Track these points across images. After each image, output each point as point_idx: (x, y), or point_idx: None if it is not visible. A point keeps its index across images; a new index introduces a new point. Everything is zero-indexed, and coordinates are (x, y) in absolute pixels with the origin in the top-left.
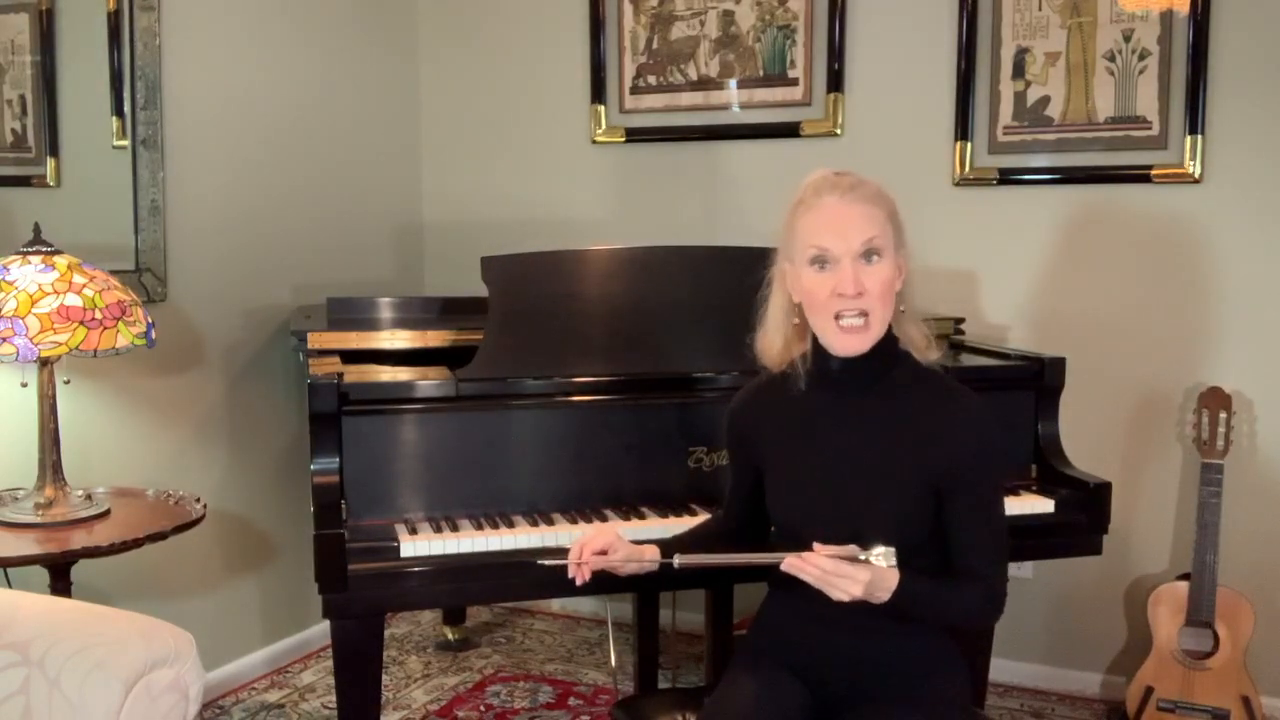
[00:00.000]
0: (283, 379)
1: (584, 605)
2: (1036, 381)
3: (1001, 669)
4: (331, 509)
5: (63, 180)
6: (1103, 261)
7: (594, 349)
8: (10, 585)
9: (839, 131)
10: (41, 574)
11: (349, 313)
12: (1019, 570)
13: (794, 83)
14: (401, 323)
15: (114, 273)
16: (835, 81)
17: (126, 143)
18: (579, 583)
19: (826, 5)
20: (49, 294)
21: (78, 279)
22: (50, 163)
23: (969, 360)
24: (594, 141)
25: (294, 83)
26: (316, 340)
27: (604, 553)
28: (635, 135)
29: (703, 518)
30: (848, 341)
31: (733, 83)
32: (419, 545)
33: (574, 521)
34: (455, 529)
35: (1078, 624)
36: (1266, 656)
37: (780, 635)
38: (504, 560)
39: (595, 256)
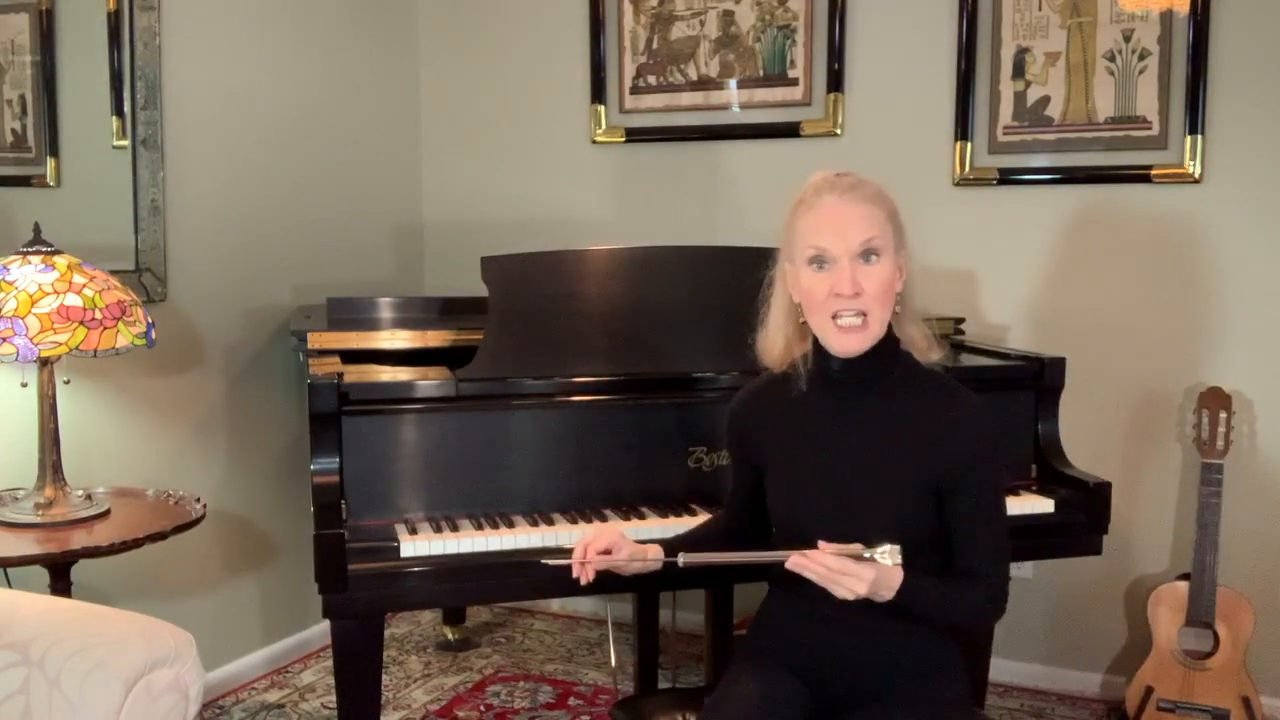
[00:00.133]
0: (283, 379)
1: (584, 605)
2: (1036, 381)
3: (1001, 669)
4: (331, 509)
5: (63, 180)
6: (1103, 261)
7: (594, 349)
8: (10, 585)
9: (839, 131)
10: (41, 574)
11: (349, 313)
12: (1019, 570)
13: (794, 83)
14: (401, 323)
15: (114, 273)
16: (835, 81)
17: (126, 143)
18: (583, 582)
19: (826, 5)
20: (49, 294)
21: (78, 279)
22: (50, 163)
23: (969, 360)
24: (594, 141)
25: (294, 83)
26: (316, 340)
27: (608, 552)
28: (635, 135)
29: (703, 518)
30: (846, 341)
31: (733, 83)
32: (419, 545)
33: (574, 522)
34: (455, 529)
35: (1078, 624)
36: (1266, 656)
37: (780, 635)
38: (504, 560)
39: (595, 256)
